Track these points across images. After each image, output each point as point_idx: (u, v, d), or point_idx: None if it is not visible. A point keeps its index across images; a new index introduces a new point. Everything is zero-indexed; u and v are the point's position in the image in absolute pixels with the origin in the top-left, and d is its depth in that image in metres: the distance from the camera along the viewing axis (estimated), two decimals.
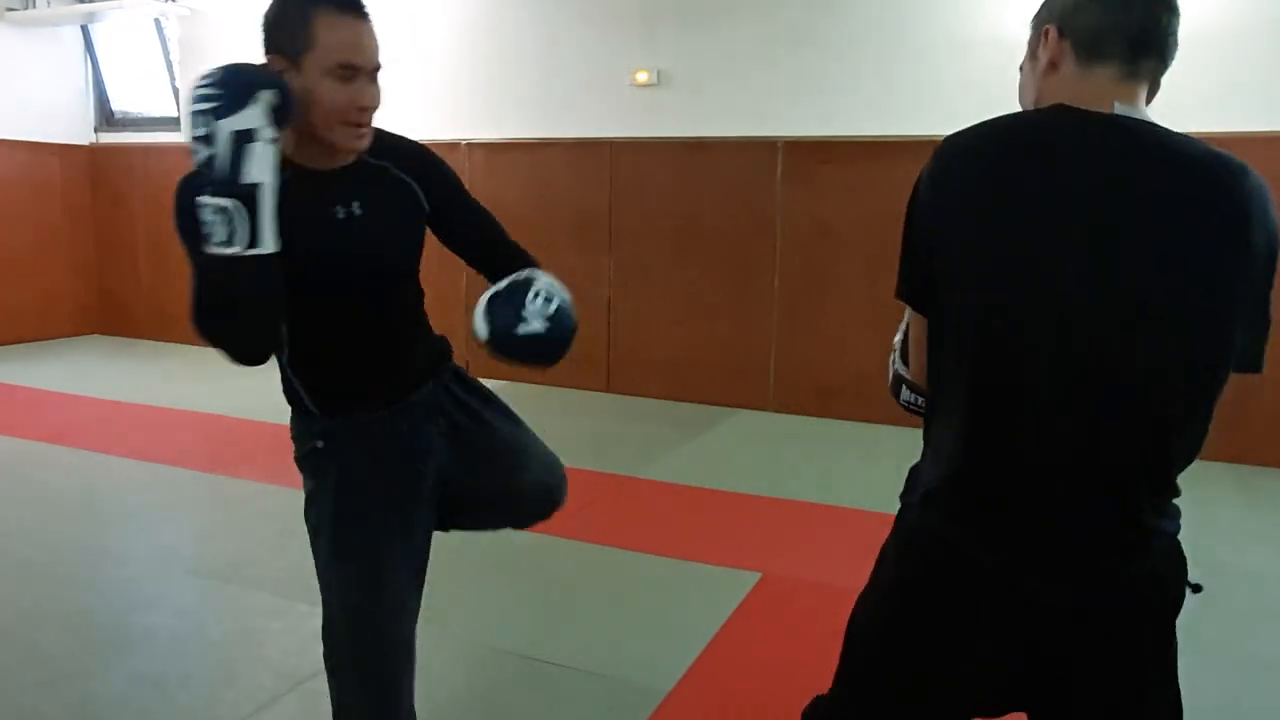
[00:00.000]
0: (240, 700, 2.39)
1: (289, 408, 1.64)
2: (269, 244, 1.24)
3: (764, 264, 5.97)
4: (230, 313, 1.30)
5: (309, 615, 2.88)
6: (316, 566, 1.61)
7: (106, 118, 8.29)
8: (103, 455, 4.65)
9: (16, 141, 7.70)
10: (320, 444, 1.58)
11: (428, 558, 1.69)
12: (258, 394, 6.18)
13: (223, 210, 1.22)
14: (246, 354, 1.39)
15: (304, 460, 1.61)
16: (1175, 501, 1.21)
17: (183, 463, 4.53)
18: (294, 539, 3.52)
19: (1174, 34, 1.19)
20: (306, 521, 1.62)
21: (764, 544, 3.62)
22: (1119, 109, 1.13)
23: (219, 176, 1.23)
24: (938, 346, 1.21)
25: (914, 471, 1.30)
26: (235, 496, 4.08)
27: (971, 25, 5.24)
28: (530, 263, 1.64)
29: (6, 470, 4.42)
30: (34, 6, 7.57)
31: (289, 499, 3.97)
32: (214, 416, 5.52)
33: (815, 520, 3.94)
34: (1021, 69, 1.27)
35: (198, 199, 1.24)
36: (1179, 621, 1.24)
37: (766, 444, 5.30)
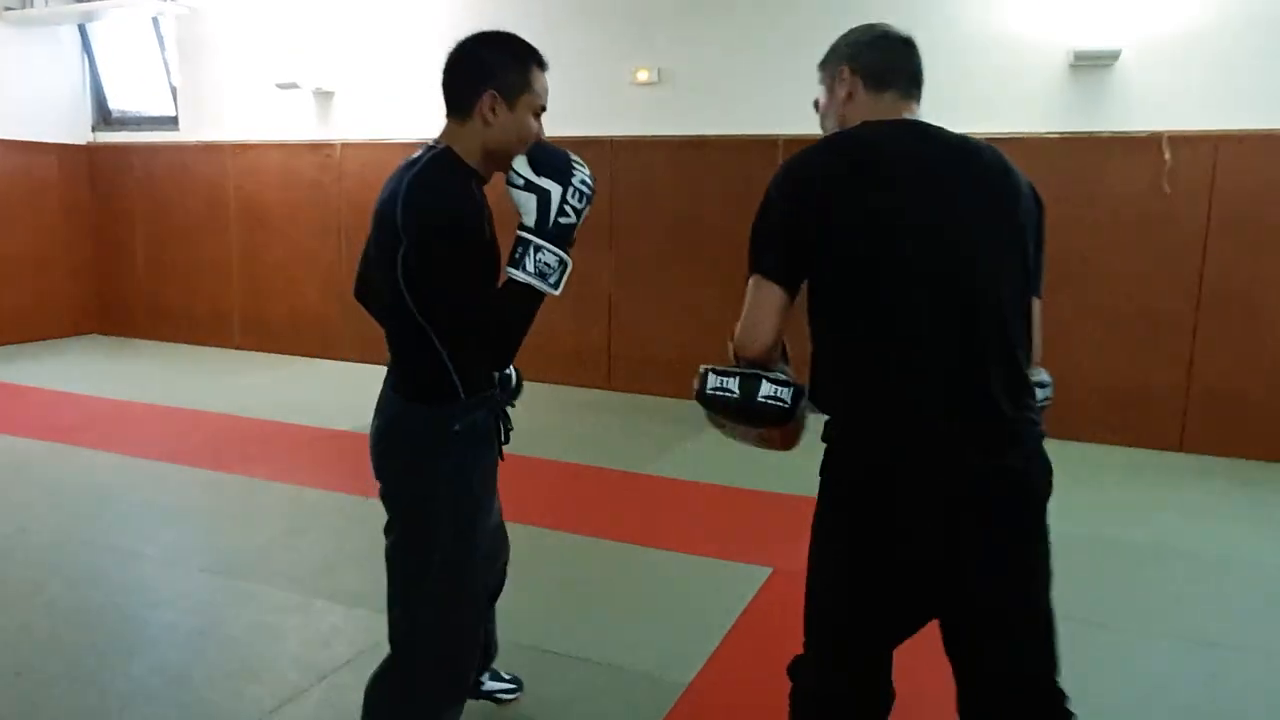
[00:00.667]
0: (264, 695, 2.40)
1: (414, 398, 1.80)
2: (560, 289, 1.69)
3: None
4: (523, 326, 1.70)
5: (327, 611, 2.91)
6: (430, 539, 1.77)
7: (104, 117, 8.26)
8: (107, 453, 4.65)
9: (14, 141, 7.67)
10: (458, 427, 1.76)
11: None
12: (257, 393, 6.19)
13: (562, 261, 1.68)
14: (513, 351, 1.72)
15: (434, 445, 1.77)
16: (1034, 413, 1.51)
17: (187, 461, 4.53)
18: (305, 536, 3.55)
19: (921, 67, 1.66)
20: (418, 495, 1.79)
21: (774, 539, 3.65)
22: (906, 115, 1.57)
23: (571, 240, 1.70)
24: (825, 312, 1.52)
25: (827, 425, 1.55)
26: (242, 494, 4.09)
27: (967, 26, 5.28)
28: None
29: (14, 469, 4.41)
30: (31, 6, 7.55)
31: (295, 496, 4.02)
32: (215, 415, 5.51)
33: None
34: (816, 105, 1.71)
35: (544, 242, 1.66)
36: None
37: None
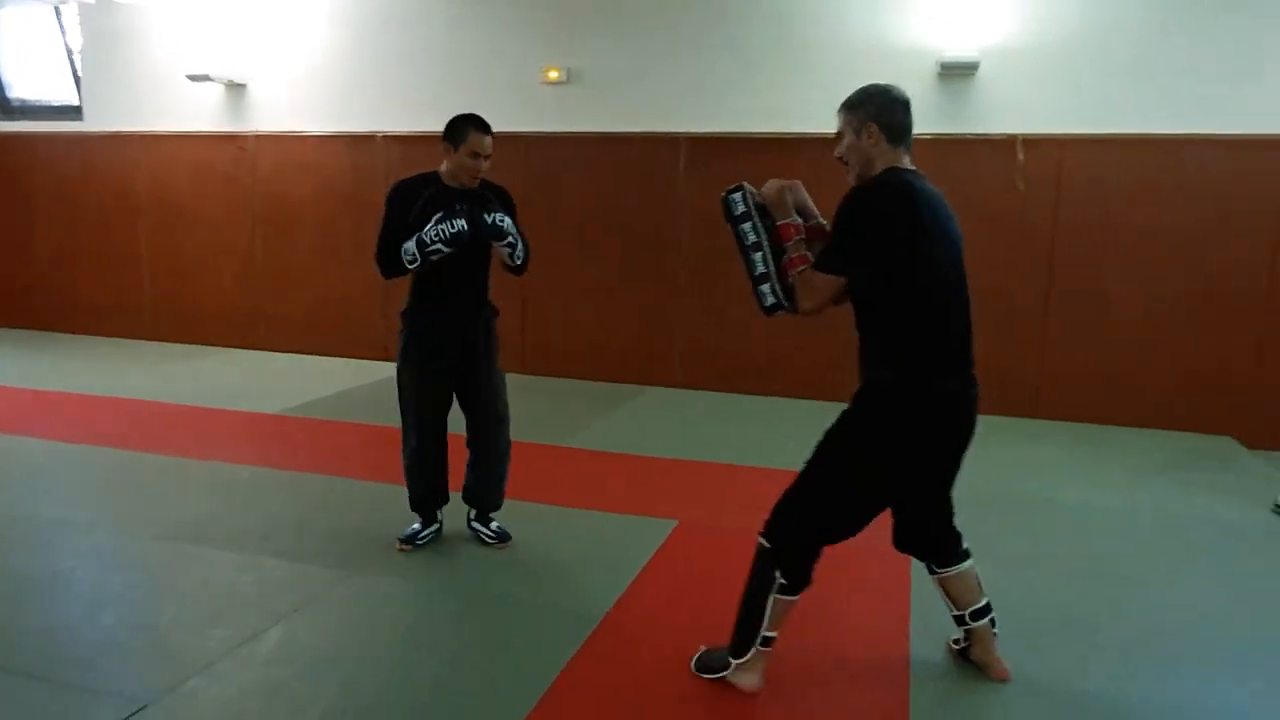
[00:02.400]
0: (229, 636, 2.69)
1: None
2: (409, 270, 3.18)
3: (669, 251, 6.44)
4: (388, 261, 3.18)
5: (276, 568, 3.20)
6: (397, 376, 3.40)
7: (3, 106, 8.10)
8: (33, 439, 4.76)
9: None
10: (405, 310, 3.32)
11: (447, 399, 3.38)
12: (176, 381, 6.30)
13: (414, 257, 3.10)
14: (383, 270, 3.20)
15: (403, 316, 3.34)
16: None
17: (116, 444, 4.68)
18: (243, 507, 3.83)
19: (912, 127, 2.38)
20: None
21: (680, 498, 4.08)
22: (910, 165, 2.35)
23: (429, 250, 3.08)
24: (916, 297, 2.25)
25: (899, 372, 2.30)
26: (177, 472, 4.29)
27: (850, 35, 5.82)
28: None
29: None
30: None
31: (228, 474, 4.28)
32: (136, 401, 5.63)
33: (723, 478, 4.43)
34: (839, 137, 2.37)
35: (414, 237, 3.11)
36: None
37: (677, 416, 5.78)
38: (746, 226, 2.39)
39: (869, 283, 2.25)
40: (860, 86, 2.38)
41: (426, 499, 3.46)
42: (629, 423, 5.56)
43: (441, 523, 3.50)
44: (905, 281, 2.23)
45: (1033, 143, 5.62)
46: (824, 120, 2.30)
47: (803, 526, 2.36)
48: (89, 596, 2.99)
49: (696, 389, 6.44)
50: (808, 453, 2.40)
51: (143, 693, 2.38)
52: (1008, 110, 5.67)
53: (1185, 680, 2.63)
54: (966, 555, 2.57)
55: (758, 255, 2.38)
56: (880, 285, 2.25)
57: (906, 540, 2.57)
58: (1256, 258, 5.41)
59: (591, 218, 6.62)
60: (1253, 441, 5.42)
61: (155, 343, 7.73)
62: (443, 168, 3.19)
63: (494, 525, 3.51)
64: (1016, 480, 4.52)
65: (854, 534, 2.39)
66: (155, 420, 5.25)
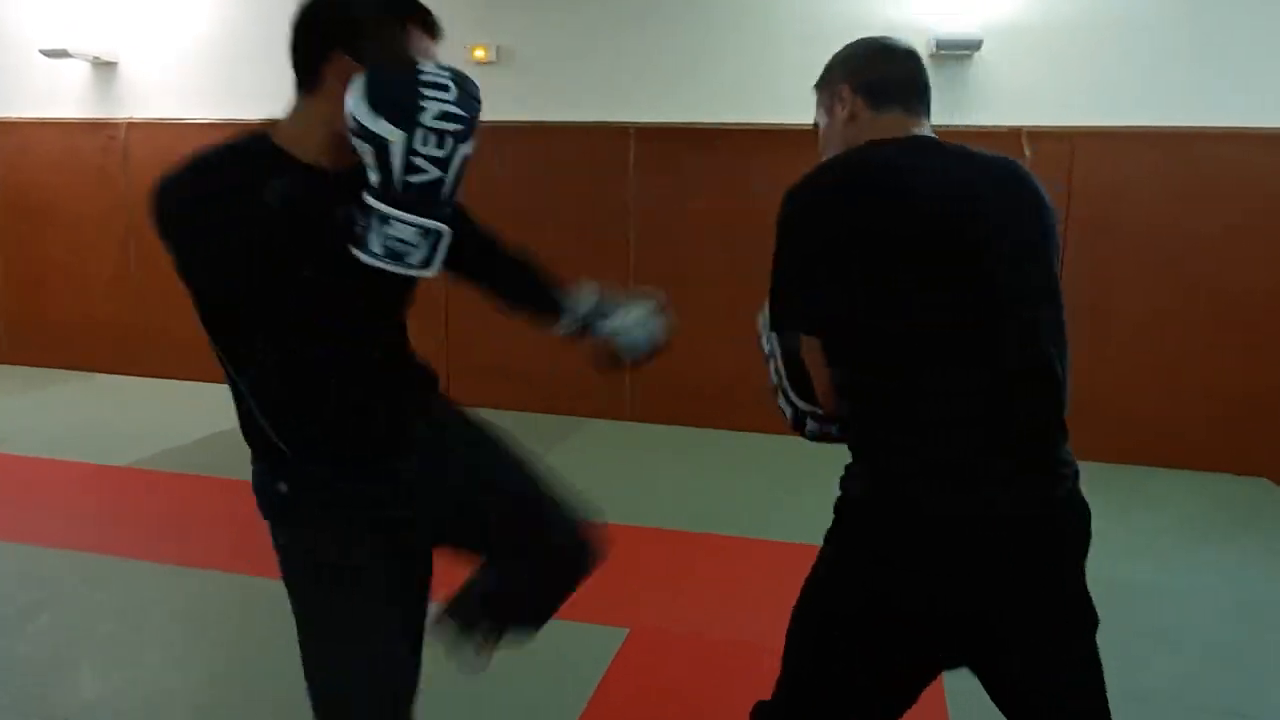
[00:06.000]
0: None
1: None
2: (435, 271, 1.23)
3: (617, 259, 5.53)
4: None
5: None
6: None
7: None
8: None
9: None
10: (284, 489, 1.49)
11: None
12: (6, 418, 5.15)
13: (432, 234, 1.20)
14: None
15: (276, 470, 1.53)
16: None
17: None
18: (34, 619, 2.75)
19: (927, 81, 1.50)
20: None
21: (629, 589, 3.15)
22: (915, 132, 1.44)
23: (445, 200, 1.21)
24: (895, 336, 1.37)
25: (874, 472, 1.40)
26: None
27: (837, 8, 4.99)
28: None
29: None
30: None
31: (30, 562, 3.18)
32: None
33: (683, 553, 3.52)
34: (817, 126, 1.56)
35: (393, 210, 1.18)
36: None
37: (625, 458, 4.87)
38: None
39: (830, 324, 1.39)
40: None
41: None
42: (568, 468, 4.60)
43: None
44: (874, 316, 1.35)
45: (1040, 135, 4.84)
46: (799, 109, 1.42)
47: None
48: None
49: (649, 422, 5.53)
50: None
51: None
52: (1012, 98, 4.89)
53: None
54: None
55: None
56: (848, 326, 1.37)
57: None
58: None
59: (525, 219, 5.59)
60: None
61: (11, 366, 6.57)
62: (303, 129, 1.36)
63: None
64: None
65: None
66: None
